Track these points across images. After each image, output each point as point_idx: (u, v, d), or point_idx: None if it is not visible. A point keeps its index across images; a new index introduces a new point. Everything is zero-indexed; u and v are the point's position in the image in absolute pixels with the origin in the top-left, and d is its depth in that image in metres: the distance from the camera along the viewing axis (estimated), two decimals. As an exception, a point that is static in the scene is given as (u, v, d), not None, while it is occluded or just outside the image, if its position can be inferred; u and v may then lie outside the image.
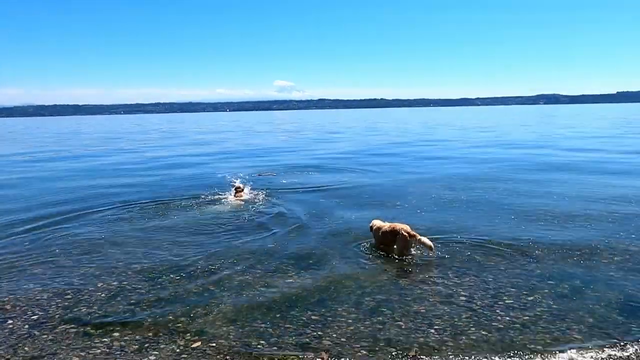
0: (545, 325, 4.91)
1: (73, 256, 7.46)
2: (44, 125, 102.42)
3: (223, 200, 11.58)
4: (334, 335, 4.80)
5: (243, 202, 11.30)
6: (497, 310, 5.27)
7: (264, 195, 11.99)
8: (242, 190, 11.94)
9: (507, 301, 5.51)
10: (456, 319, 5.09)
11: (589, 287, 5.85)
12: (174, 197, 12.07)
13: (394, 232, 6.91)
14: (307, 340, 4.72)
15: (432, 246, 6.75)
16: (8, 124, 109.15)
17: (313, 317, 5.22)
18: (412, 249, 7.01)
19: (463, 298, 5.63)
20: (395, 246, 7.01)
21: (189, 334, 4.88)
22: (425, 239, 6.79)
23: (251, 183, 13.12)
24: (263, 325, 5.05)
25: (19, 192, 13.53)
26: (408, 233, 6.80)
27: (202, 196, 12.00)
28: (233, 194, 11.82)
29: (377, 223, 7.50)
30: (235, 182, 12.40)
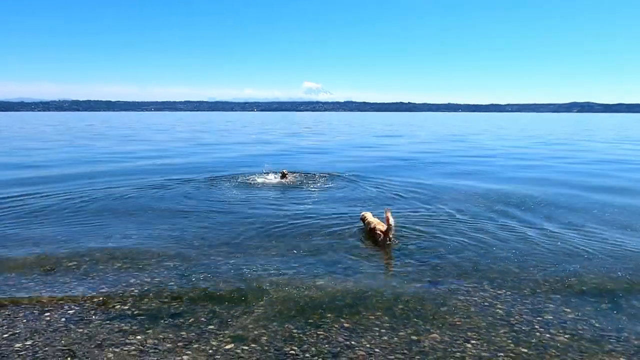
0: (588, 345, 4.72)
1: (106, 250, 7.56)
2: (115, 119, 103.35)
3: (268, 181, 14.47)
4: (367, 345, 4.71)
5: (286, 181, 14.46)
6: (536, 326, 5.09)
7: (304, 180, 14.75)
8: (286, 176, 14.96)
9: (546, 317, 5.32)
10: (493, 334, 4.94)
11: (632, 306, 5.62)
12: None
13: (373, 230, 8.08)
14: (340, 349, 4.65)
15: (392, 226, 7.70)
16: (75, 119, 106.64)
17: (345, 324, 5.14)
18: (390, 236, 7.82)
19: (500, 311, 5.47)
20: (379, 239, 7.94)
21: (221, 335, 4.87)
22: (391, 220, 7.70)
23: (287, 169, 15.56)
24: (296, 330, 4.99)
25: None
26: (381, 230, 7.88)
27: (253, 175, 15.27)
28: (279, 177, 14.86)
29: (368, 217, 8.58)
30: (282, 171, 15.30)
